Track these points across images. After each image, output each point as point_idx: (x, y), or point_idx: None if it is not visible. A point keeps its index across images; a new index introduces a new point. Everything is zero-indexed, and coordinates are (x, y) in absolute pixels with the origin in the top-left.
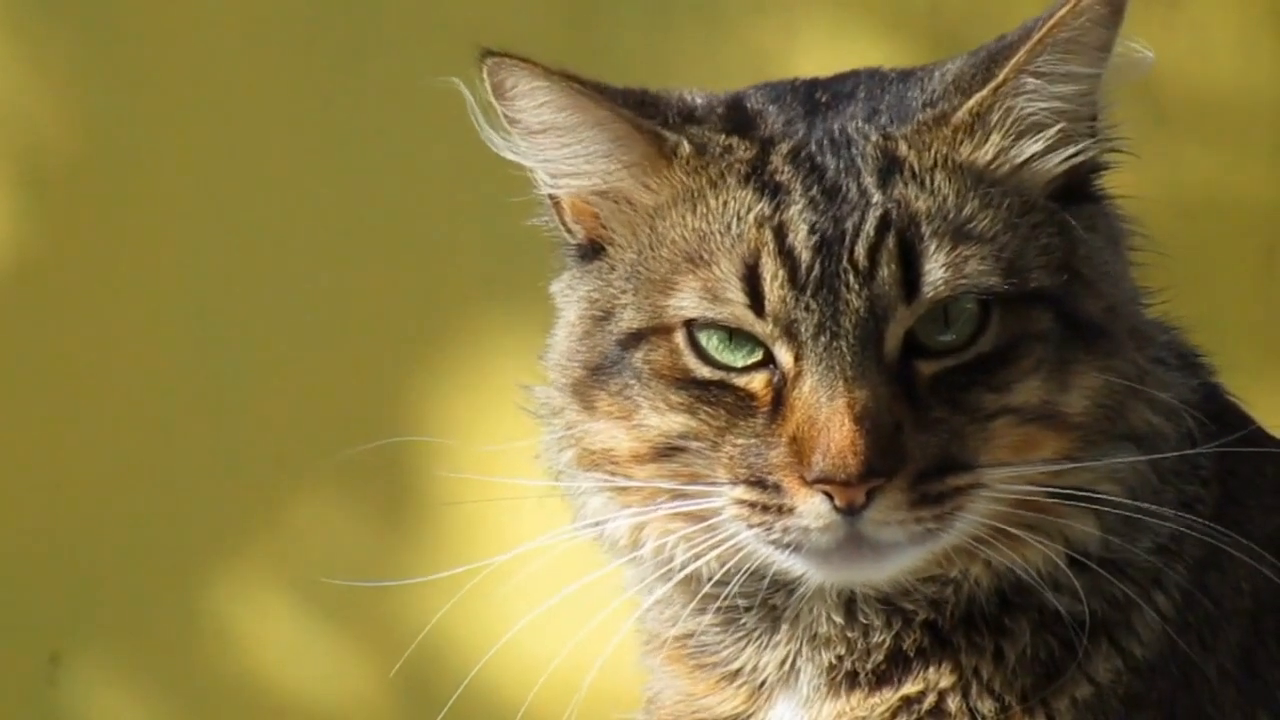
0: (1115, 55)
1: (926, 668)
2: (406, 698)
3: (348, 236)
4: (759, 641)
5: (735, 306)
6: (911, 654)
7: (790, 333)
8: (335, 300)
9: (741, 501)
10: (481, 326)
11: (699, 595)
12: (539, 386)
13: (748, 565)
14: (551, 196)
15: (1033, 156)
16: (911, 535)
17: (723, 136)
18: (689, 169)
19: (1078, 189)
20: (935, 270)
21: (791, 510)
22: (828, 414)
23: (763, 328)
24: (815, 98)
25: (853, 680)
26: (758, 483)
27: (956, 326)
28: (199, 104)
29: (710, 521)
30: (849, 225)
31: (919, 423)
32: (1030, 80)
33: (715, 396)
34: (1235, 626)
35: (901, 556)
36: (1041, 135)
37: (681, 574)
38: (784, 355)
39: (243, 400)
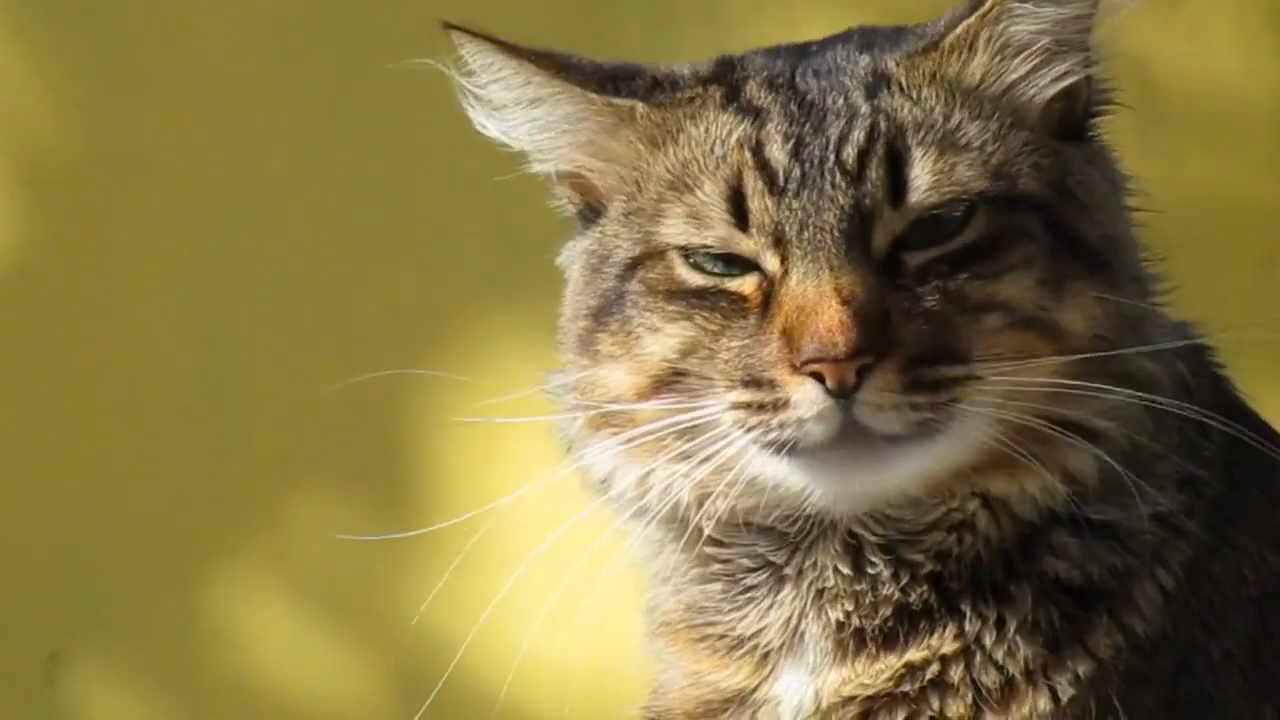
0: None
1: (931, 632)
2: (405, 697)
3: (348, 235)
4: (763, 603)
5: (720, 227)
6: (918, 609)
7: (777, 237)
8: (335, 300)
9: (738, 404)
10: (482, 326)
11: (703, 554)
12: (554, 374)
13: (751, 498)
14: (546, 173)
15: (1020, 77)
16: (908, 425)
17: (688, 90)
18: (655, 120)
19: (1076, 129)
20: (922, 176)
21: (786, 403)
22: (815, 299)
23: (749, 244)
24: (807, 49)
25: (860, 640)
26: (752, 382)
27: (945, 220)
28: (199, 104)
29: (711, 434)
30: (833, 132)
31: (909, 312)
32: (1016, 5)
33: (710, 302)
34: (1241, 615)
35: (904, 457)
36: (1027, 54)
37: (682, 510)
38: (771, 263)
39: (242, 400)
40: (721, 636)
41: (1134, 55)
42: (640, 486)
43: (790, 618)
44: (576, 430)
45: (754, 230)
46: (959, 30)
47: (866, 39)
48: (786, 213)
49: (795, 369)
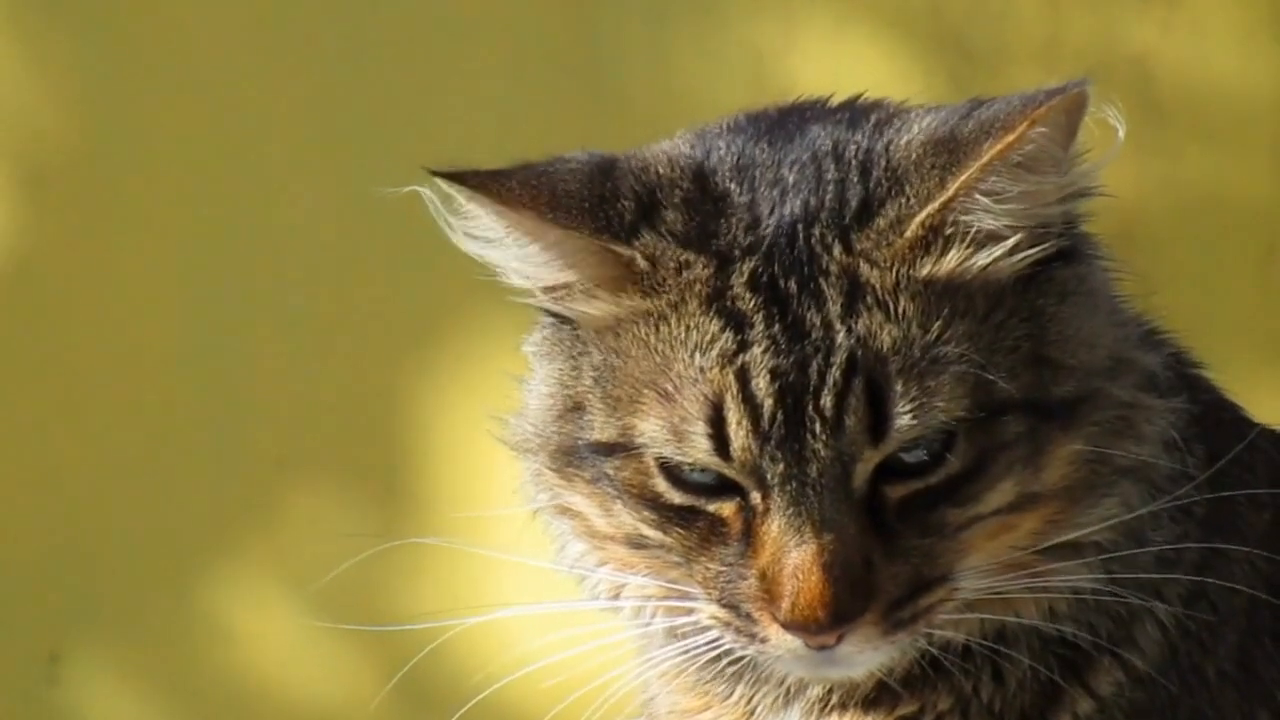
0: (1075, 157)
1: (923, 689)
2: (406, 697)
3: (348, 235)
4: (747, 678)
5: (700, 452)
6: (898, 687)
7: (757, 476)
8: (335, 300)
9: (717, 618)
10: (482, 327)
11: (679, 649)
12: (515, 417)
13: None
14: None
15: (994, 260)
16: (886, 651)
17: (679, 250)
18: (645, 286)
19: (1051, 259)
20: (903, 415)
21: (765, 640)
22: (796, 560)
23: (730, 472)
24: (779, 173)
25: (844, 706)
26: (732, 608)
27: (926, 445)
28: (199, 103)
29: (688, 607)
30: (813, 369)
31: (889, 552)
32: (981, 199)
33: (687, 520)
34: (1232, 627)
35: (875, 661)
36: (1001, 244)
37: (660, 634)
38: (754, 496)
39: (241, 400)
40: (712, 694)
41: (1134, 55)
42: (614, 592)
43: (774, 697)
44: (543, 503)
45: (734, 461)
46: (922, 217)
47: (823, 173)
48: (768, 461)
49: (775, 619)
